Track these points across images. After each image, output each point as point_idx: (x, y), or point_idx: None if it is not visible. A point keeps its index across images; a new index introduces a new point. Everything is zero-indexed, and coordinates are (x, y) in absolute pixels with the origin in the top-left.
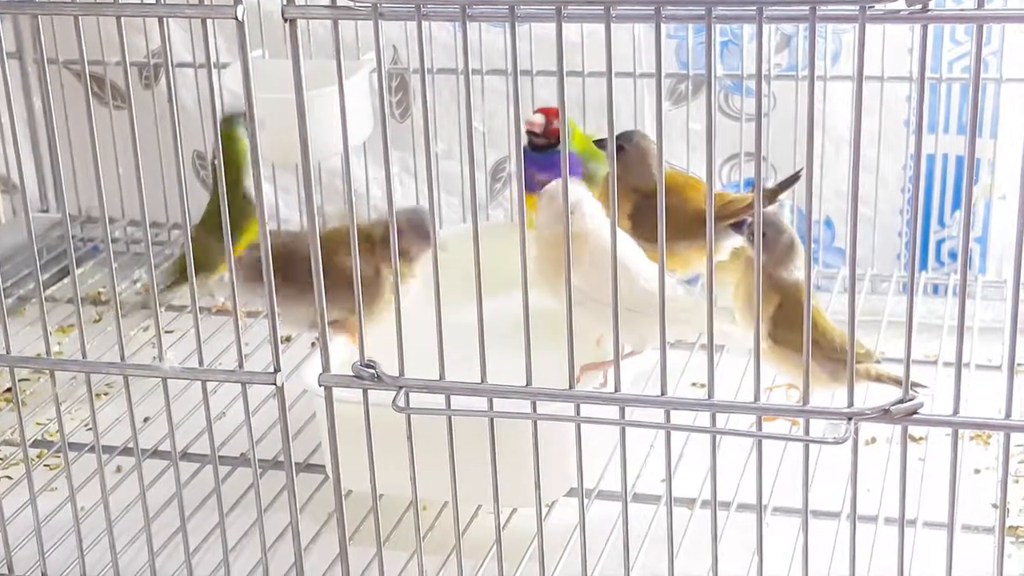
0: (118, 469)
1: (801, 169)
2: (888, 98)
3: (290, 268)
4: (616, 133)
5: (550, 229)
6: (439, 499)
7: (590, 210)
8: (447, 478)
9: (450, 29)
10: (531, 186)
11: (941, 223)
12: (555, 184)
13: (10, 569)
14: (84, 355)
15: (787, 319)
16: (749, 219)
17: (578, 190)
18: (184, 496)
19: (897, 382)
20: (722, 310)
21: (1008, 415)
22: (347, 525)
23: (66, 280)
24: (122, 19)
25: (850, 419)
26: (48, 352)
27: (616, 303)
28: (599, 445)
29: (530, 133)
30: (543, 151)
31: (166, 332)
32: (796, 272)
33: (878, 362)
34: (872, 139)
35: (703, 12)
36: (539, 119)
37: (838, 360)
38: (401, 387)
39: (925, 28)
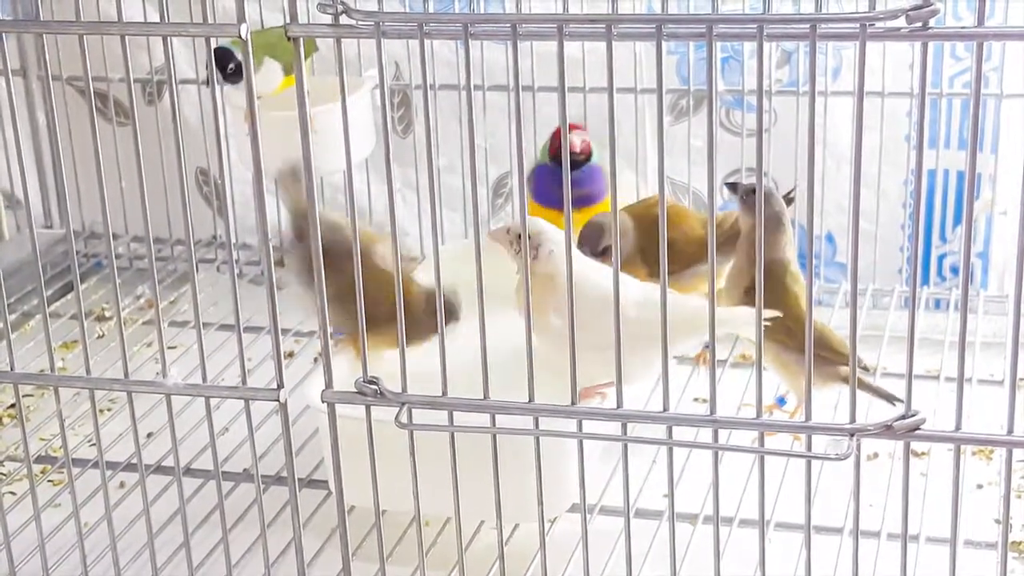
0: (121, 485)
1: (792, 190)
2: (889, 113)
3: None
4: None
5: (519, 273)
6: (442, 515)
7: (553, 245)
8: (450, 494)
9: (452, 46)
10: (557, 202)
11: (942, 238)
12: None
13: None
14: (88, 371)
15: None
16: (743, 182)
17: (538, 224)
18: (187, 512)
19: (876, 393)
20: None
21: (1010, 431)
22: (350, 541)
23: (70, 296)
24: (126, 37)
25: (852, 435)
26: (52, 368)
27: (618, 322)
28: (601, 461)
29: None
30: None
31: (169, 348)
32: (779, 251)
33: (866, 369)
34: (873, 154)
35: (704, 30)
36: (578, 140)
37: (823, 358)
38: (404, 403)
39: (925, 45)
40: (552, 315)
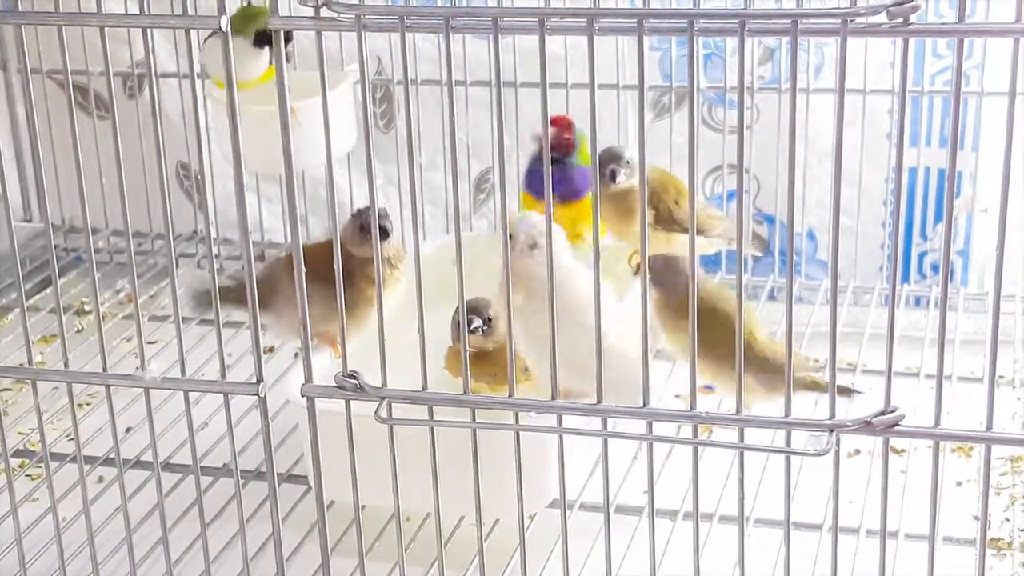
0: (100, 479)
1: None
2: (870, 111)
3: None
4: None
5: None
6: (422, 510)
7: (558, 247)
8: (430, 489)
9: (434, 41)
10: (542, 194)
11: (923, 236)
12: (523, 221)
13: None
14: (66, 365)
15: (702, 336)
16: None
17: (540, 225)
18: (166, 506)
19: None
20: None
21: (989, 427)
22: (329, 536)
23: (49, 290)
24: (105, 29)
25: (832, 431)
26: (30, 362)
27: (599, 323)
28: (582, 456)
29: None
30: (555, 162)
31: (149, 342)
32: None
33: (820, 370)
34: (855, 152)
35: (685, 25)
36: (551, 132)
37: (771, 372)
38: (383, 398)
39: (906, 42)
40: (534, 314)
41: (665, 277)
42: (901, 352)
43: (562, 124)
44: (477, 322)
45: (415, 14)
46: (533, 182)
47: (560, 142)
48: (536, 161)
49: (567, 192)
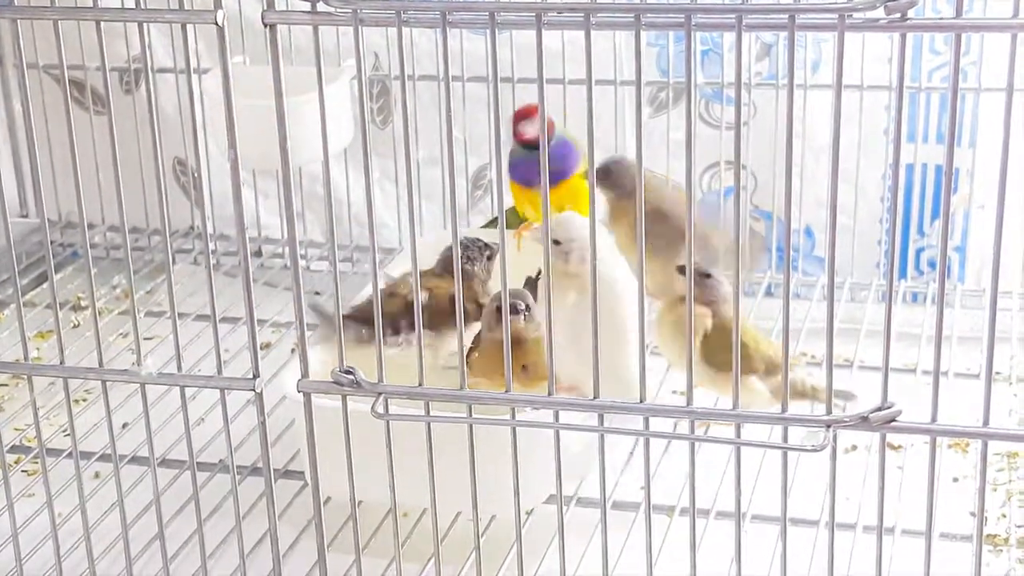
0: (96, 475)
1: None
2: (868, 107)
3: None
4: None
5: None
6: (418, 506)
7: (585, 252)
8: (426, 484)
9: (431, 36)
10: (534, 182)
11: (920, 232)
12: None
13: None
14: (62, 360)
15: (719, 342)
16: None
17: (570, 230)
18: (162, 502)
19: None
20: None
21: (986, 423)
22: (326, 532)
23: (45, 285)
24: (102, 24)
25: (829, 427)
26: (26, 357)
27: (596, 314)
28: (578, 452)
29: (525, 141)
30: (535, 147)
31: (145, 338)
32: (721, 297)
33: (817, 365)
34: (852, 148)
35: (682, 19)
36: (530, 129)
37: (775, 377)
38: (380, 393)
39: (904, 37)
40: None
41: (614, 178)
42: (898, 348)
43: (532, 112)
44: (522, 306)
45: (412, 9)
46: (516, 171)
47: (531, 135)
48: (516, 150)
49: (553, 173)
